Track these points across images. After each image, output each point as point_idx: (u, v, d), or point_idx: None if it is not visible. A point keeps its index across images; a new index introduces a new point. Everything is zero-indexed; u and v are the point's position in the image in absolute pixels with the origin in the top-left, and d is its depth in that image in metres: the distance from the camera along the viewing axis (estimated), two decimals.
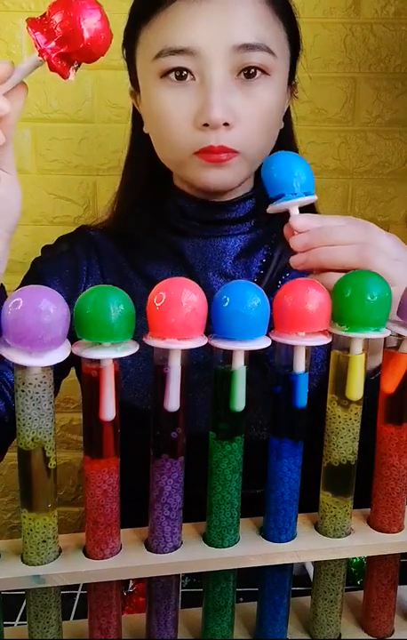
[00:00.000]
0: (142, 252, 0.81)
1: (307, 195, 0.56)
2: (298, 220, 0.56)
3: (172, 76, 0.68)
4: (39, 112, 1.16)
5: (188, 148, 0.69)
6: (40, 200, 1.19)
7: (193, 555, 0.45)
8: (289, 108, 0.78)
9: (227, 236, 0.77)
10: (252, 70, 0.68)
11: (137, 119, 0.80)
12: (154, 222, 0.81)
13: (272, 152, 0.74)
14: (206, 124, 0.66)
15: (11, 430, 0.67)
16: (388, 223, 1.22)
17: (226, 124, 0.67)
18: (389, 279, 0.46)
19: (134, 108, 0.80)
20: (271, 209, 0.58)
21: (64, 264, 0.80)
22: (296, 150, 0.82)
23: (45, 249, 0.85)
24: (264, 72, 0.69)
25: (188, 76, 0.68)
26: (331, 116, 1.17)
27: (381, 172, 1.20)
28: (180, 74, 0.68)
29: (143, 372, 0.76)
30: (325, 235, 0.54)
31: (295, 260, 0.56)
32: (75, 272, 0.80)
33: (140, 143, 0.79)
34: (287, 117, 0.78)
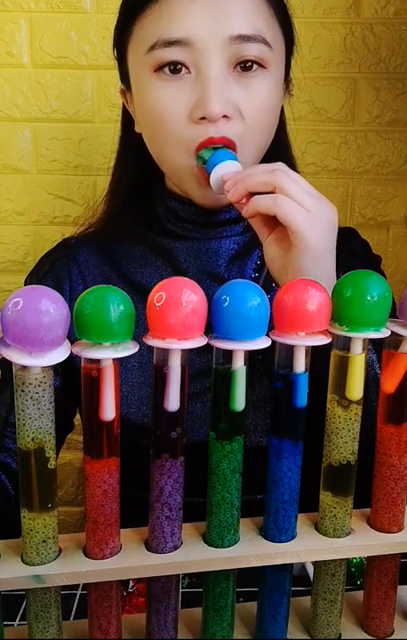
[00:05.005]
0: (130, 259, 0.80)
1: (231, 160, 0.66)
2: (223, 173, 0.65)
3: (167, 69, 0.67)
4: (39, 112, 1.16)
5: (185, 142, 0.68)
6: (40, 200, 1.19)
7: (193, 555, 0.45)
8: (282, 105, 0.77)
9: (220, 238, 0.76)
10: (249, 63, 0.67)
11: (127, 119, 0.79)
12: (143, 224, 0.80)
13: (268, 152, 0.74)
14: (203, 118, 0.65)
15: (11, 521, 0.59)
16: (388, 223, 1.22)
17: (225, 117, 0.66)
18: (300, 203, 0.59)
19: (124, 107, 0.79)
20: (211, 181, 0.66)
21: None
22: (289, 148, 0.82)
23: (28, 277, 0.83)
24: (261, 65, 0.68)
25: (183, 70, 0.66)
26: (331, 116, 1.17)
27: (381, 172, 1.20)
28: (175, 67, 0.66)
29: (137, 385, 0.74)
30: (245, 170, 0.64)
31: (231, 196, 0.64)
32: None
33: (130, 143, 0.78)
34: (281, 115, 0.77)
